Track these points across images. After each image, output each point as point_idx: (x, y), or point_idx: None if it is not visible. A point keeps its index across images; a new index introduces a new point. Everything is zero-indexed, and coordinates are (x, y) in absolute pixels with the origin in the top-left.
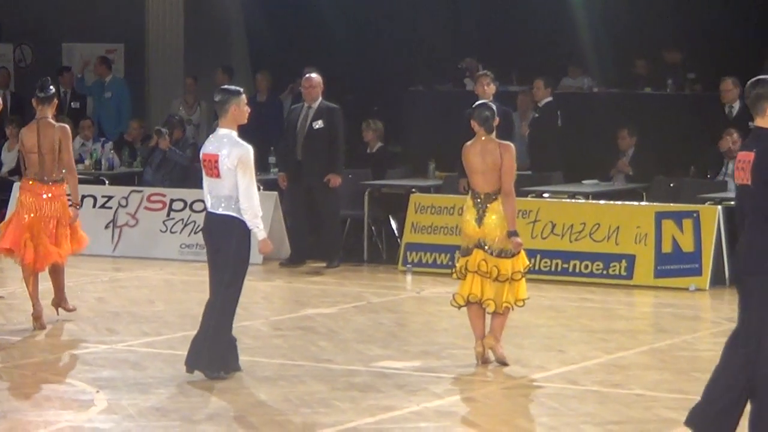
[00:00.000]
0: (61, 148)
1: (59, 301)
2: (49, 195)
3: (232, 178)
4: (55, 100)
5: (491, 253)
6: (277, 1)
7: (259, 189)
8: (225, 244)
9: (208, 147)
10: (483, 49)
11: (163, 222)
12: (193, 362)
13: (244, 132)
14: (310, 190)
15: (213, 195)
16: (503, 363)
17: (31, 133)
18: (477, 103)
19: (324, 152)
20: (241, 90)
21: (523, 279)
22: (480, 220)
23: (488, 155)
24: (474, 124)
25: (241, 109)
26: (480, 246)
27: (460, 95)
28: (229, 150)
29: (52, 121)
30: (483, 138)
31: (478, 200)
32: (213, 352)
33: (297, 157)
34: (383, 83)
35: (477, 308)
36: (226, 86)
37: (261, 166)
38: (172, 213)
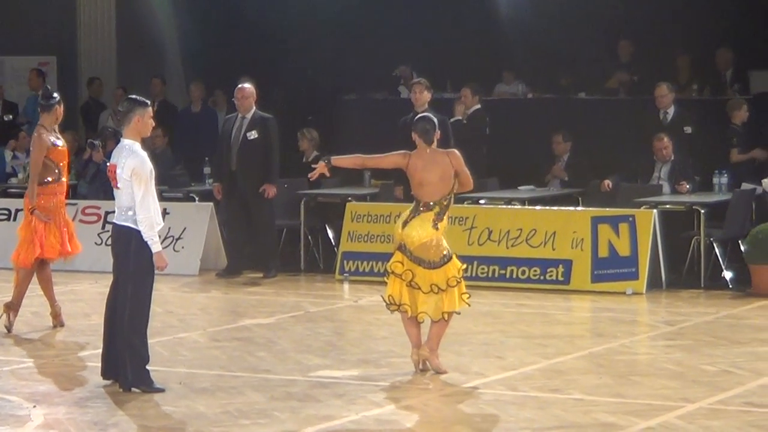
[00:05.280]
0: (34, 157)
1: (16, 306)
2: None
3: (129, 188)
4: (57, 107)
5: (409, 258)
6: (209, 12)
7: (194, 199)
8: (124, 255)
9: (113, 158)
10: (417, 56)
11: (98, 234)
12: (112, 372)
13: (180, 142)
14: (245, 200)
15: (117, 205)
16: (440, 372)
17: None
18: (418, 115)
19: (259, 162)
20: (148, 102)
21: (453, 291)
22: (406, 223)
23: (437, 167)
24: (414, 137)
25: (144, 121)
26: (401, 248)
27: (395, 103)
28: (125, 160)
29: (45, 129)
30: (428, 150)
31: (419, 208)
32: (137, 367)
33: (232, 167)
34: (318, 92)
35: (411, 316)
36: (133, 96)
37: (196, 176)
38: (107, 225)
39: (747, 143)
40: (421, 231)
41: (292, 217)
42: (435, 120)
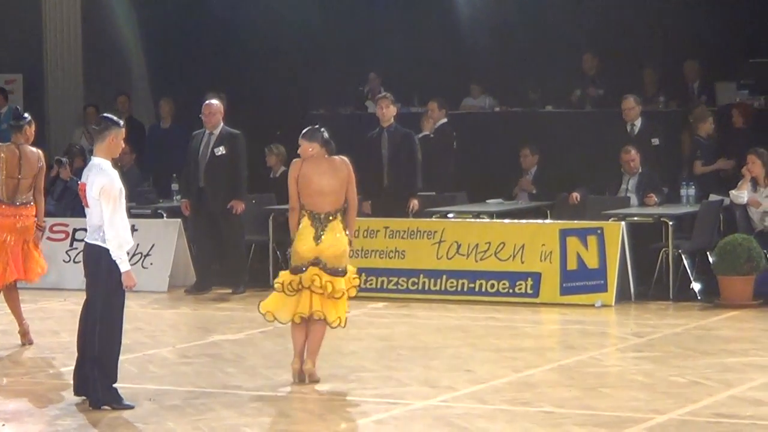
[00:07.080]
0: (39, 173)
1: None
2: (21, 216)
3: (98, 207)
4: (27, 128)
5: (326, 271)
6: (175, 28)
7: (162, 216)
8: (94, 273)
9: (83, 176)
10: (384, 70)
11: (67, 252)
12: (83, 389)
13: (150, 159)
14: (213, 216)
15: (88, 224)
16: (314, 380)
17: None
18: (308, 128)
19: (226, 178)
20: (122, 123)
21: (344, 297)
22: (318, 238)
23: (338, 173)
24: (315, 146)
25: (118, 141)
26: (315, 263)
27: (362, 118)
28: (93, 179)
29: (32, 148)
30: (326, 157)
31: (318, 220)
32: (106, 384)
33: (200, 183)
34: (285, 107)
35: (301, 324)
36: (108, 115)
37: (164, 193)
38: (75, 243)
39: (712, 155)
40: (337, 244)
41: (261, 232)
42: (322, 129)
